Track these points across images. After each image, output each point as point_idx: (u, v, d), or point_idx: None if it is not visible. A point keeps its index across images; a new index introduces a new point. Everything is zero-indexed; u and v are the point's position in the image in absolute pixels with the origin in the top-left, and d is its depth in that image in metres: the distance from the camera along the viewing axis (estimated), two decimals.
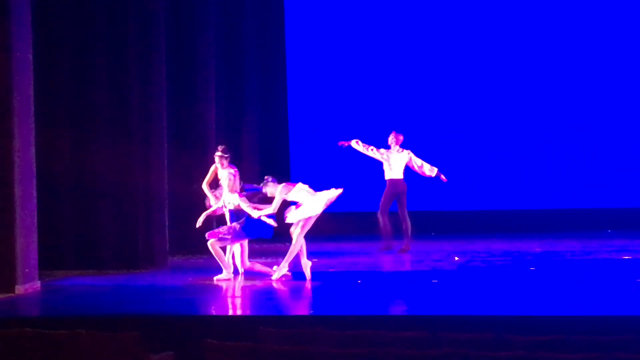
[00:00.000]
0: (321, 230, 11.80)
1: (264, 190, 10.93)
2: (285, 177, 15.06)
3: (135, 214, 12.32)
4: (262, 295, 10.25)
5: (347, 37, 16.98)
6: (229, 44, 15.38)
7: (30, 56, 10.76)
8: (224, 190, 11.24)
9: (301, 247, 10.87)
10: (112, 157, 12.32)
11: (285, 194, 10.79)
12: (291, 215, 10.76)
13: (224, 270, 11.09)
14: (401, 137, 13.47)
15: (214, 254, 11.00)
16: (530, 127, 16.69)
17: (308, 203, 10.75)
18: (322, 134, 16.63)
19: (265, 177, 11.02)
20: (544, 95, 16.68)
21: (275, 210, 10.79)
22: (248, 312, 9.56)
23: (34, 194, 10.79)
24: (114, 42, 12.30)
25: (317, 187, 11.08)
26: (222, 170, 11.27)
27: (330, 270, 11.80)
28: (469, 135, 16.76)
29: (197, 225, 11.25)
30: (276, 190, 10.81)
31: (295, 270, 11.04)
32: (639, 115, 16.50)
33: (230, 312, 9.48)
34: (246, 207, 10.89)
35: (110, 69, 12.29)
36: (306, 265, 10.95)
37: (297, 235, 10.79)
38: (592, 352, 6.59)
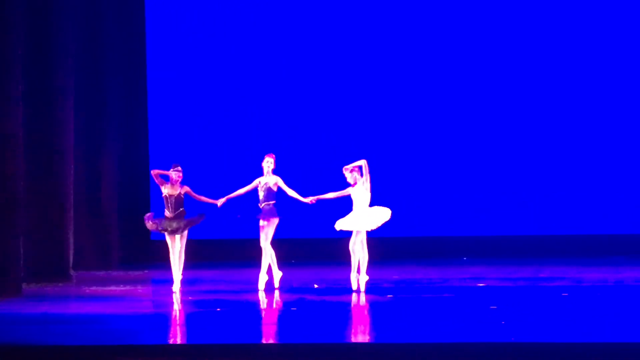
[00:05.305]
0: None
1: (348, 180, 11.63)
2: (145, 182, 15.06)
3: None
4: (122, 324, 10.07)
5: (212, 32, 16.83)
6: (88, 48, 15.11)
7: None
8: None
9: (358, 260, 11.73)
10: None
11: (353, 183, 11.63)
12: (341, 223, 11.67)
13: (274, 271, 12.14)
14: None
15: (265, 259, 11.89)
16: (390, 155, 16.90)
17: (360, 216, 11.57)
18: (183, 136, 16.56)
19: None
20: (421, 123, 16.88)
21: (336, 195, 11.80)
22: (107, 342, 9.36)
23: None
24: None
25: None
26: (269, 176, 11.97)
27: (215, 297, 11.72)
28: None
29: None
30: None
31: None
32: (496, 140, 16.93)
33: (86, 342, 9.26)
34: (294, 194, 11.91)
35: None
36: (354, 278, 11.77)
37: (354, 249, 11.68)
38: None
